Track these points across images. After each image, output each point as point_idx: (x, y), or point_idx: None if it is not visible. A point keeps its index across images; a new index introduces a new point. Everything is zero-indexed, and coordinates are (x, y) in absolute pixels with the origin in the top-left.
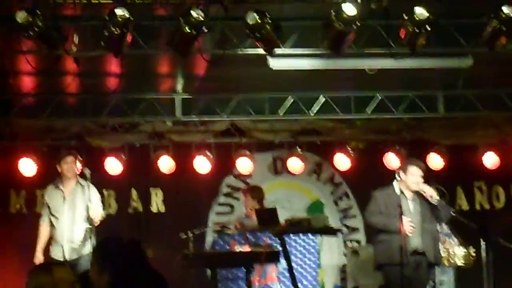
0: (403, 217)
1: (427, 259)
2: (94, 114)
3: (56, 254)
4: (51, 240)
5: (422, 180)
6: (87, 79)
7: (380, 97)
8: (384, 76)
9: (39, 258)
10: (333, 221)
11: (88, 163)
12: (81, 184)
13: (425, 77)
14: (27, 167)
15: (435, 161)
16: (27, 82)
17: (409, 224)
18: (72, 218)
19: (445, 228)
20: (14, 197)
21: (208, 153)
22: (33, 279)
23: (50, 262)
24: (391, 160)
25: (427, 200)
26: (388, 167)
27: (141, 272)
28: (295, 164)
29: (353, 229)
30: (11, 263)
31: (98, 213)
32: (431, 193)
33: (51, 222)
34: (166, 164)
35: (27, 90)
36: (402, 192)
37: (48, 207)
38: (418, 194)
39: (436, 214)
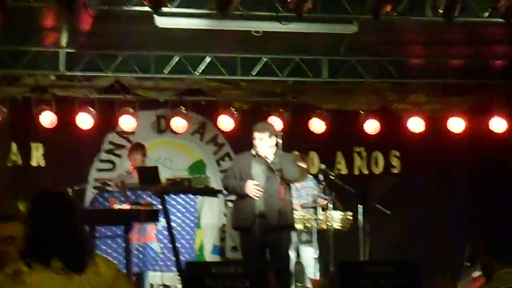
0: (249, 181)
1: (272, 222)
2: None
3: None
4: None
5: (266, 143)
6: None
7: (265, 60)
8: (270, 39)
9: None
10: (215, 182)
11: None
12: None
13: (310, 42)
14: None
15: (317, 125)
16: None
17: (254, 188)
18: None
19: (321, 192)
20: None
21: (91, 109)
22: None
23: None
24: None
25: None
26: None
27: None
28: (178, 123)
29: None
30: None
31: None
32: (265, 154)
33: None
34: (47, 118)
35: None
36: (254, 156)
37: None
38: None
39: (282, 176)
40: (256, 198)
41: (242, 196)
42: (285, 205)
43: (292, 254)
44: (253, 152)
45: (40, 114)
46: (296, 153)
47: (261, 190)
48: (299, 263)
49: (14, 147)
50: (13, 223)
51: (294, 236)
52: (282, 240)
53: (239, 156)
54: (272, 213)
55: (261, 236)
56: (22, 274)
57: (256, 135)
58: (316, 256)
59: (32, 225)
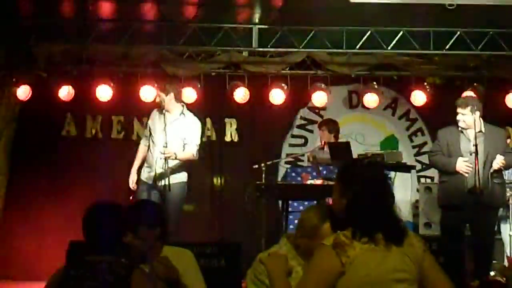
0: (459, 158)
1: (484, 200)
2: (171, 42)
3: (148, 177)
4: (144, 163)
5: (469, 117)
6: (165, 7)
7: (459, 33)
8: (464, 12)
9: (133, 177)
10: (407, 157)
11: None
12: (182, 114)
13: (506, 14)
14: (104, 92)
15: None
16: (106, 8)
17: (465, 164)
18: (169, 146)
19: None
20: (90, 122)
21: (283, 85)
22: None
23: None
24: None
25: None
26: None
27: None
28: (370, 98)
29: (427, 166)
30: (85, 186)
31: (194, 145)
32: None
33: (149, 145)
34: (241, 94)
35: (105, 16)
36: (462, 131)
37: (150, 130)
38: (485, 133)
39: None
40: (466, 175)
41: (451, 173)
42: (495, 183)
43: None
44: (459, 127)
45: (233, 90)
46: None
47: (471, 166)
48: (499, 240)
49: (208, 122)
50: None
51: None
52: (490, 218)
53: (444, 132)
54: (484, 190)
55: (469, 213)
56: (344, 246)
57: (459, 110)
58: None
59: (359, 204)
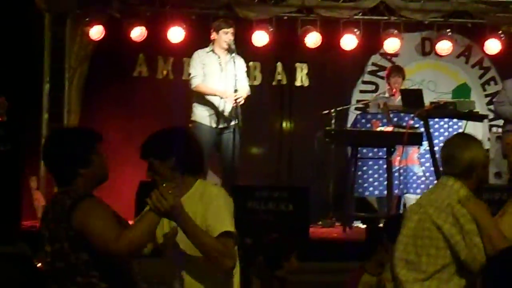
0: None
1: None
2: None
3: (203, 119)
4: (197, 104)
5: None
6: None
7: None
8: None
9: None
10: (479, 106)
11: (235, 34)
12: (232, 56)
13: None
14: (176, 34)
15: None
16: None
17: None
18: (224, 87)
19: None
20: (162, 63)
21: (356, 30)
22: None
23: None
24: None
25: None
26: None
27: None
28: (443, 45)
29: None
30: (155, 126)
31: (245, 87)
32: None
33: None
34: (313, 38)
35: None
36: None
37: (203, 70)
38: None
39: None
40: None
41: None
42: None
43: None
44: None
45: (305, 34)
46: None
47: None
48: None
49: (279, 66)
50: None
51: None
52: None
53: (510, 82)
54: None
55: None
56: None
57: None
58: None
59: None
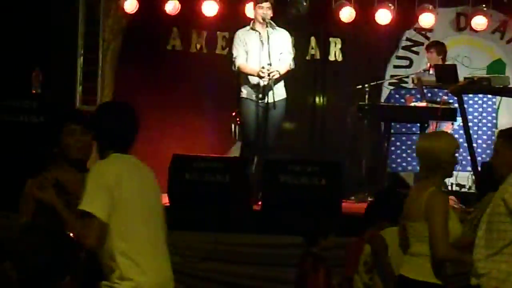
0: None
1: None
2: None
3: (250, 95)
4: (243, 82)
5: None
6: None
7: None
8: None
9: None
10: None
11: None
12: (273, 29)
13: None
14: (209, 8)
15: None
16: None
17: None
18: (266, 62)
19: None
20: (195, 37)
21: (390, 5)
22: None
23: None
24: None
25: None
26: None
27: None
28: (479, 21)
29: None
30: (189, 100)
31: (286, 60)
32: None
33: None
34: (347, 13)
35: None
36: None
37: (244, 48)
38: None
39: None
40: None
41: None
42: None
43: None
44: None
45: (340, 9)
46: None
47: None
48: None
49: (313, 41)
50: None
51: None
52: None
53: None
54: None
55: None
56: None
57: None
58: None
59: None
